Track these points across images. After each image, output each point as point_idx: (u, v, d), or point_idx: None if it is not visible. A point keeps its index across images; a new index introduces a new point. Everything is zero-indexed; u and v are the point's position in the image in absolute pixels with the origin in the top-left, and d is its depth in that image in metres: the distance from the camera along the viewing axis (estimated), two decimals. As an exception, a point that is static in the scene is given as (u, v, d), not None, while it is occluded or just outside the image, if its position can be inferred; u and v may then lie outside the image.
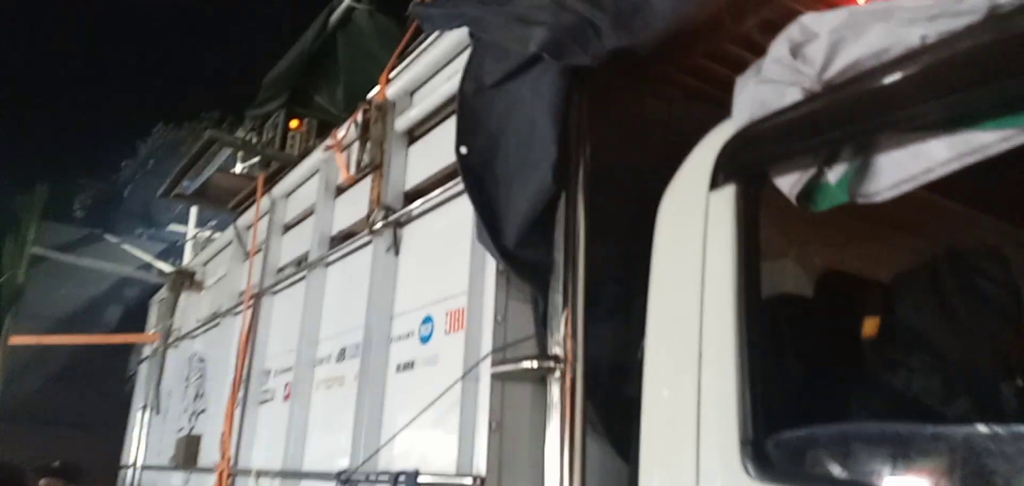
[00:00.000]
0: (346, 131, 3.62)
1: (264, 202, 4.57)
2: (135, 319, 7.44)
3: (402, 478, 2.43)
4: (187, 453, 4.93)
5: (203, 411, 5.21)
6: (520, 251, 2.19)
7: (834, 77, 1.70)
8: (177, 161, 8.56)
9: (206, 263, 6.01)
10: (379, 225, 3.12)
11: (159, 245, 7.80)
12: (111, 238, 7.52)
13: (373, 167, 3.25)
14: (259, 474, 3.70)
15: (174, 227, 8.19)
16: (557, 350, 2.09)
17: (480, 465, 2.23)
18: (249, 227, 5.07)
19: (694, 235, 1.99)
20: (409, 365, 2.82)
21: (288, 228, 4.47)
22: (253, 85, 5.22)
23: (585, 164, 2.22)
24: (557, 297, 2.13)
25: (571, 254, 2.14)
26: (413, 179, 3.18)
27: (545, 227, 2.19)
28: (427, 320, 2.77)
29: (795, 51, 1.80)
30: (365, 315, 3.09)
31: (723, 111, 2.25)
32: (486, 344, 2.36)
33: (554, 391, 2.08)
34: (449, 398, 2.42)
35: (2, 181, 9.37)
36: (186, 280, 6.07)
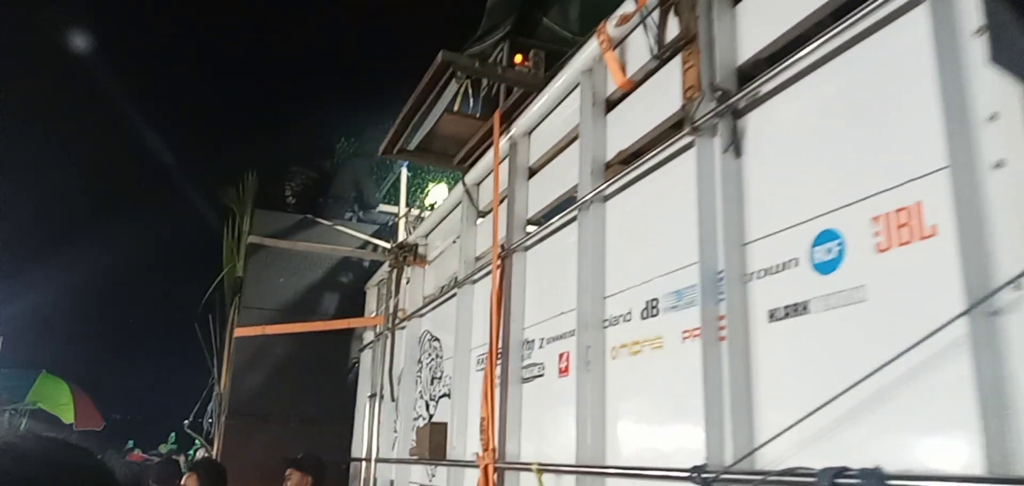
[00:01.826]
0: (633, 17, 2.72)
1: (502, 145, 3.81)
2: (352, 306, 7.11)
3: (856, 481, 1.49)
4: (433, 444, 4.31)
5: (444, 395, 4.60)
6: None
7: None
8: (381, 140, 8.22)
9: (428, 234, 5.43)
10: (705, 117, 2.20)
11: (369, 227, 7.44)
12: (323, 222, 7.21)
13: (684, 41, 2.33)
14: (542, 469, 2.92)
15: (384, 208, 7.83)
16: None
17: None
18: (480, 182, 4.37)
19: None
20: (795, 309, 1.88)
21: (534, 171, 3.68)
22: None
23: None
24: None
25: None
26: (749, 48, 2.22)
27: None
28: (826, 237, 1.81)
29: None
30: (697, 247, 2.19)
31: None
32: (1001, 254, 1.37)
33: None
34: (917, 351, 1.45)
35: (216, 175, 9.56)
36: (408, 255, 5.53)
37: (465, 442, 4.06)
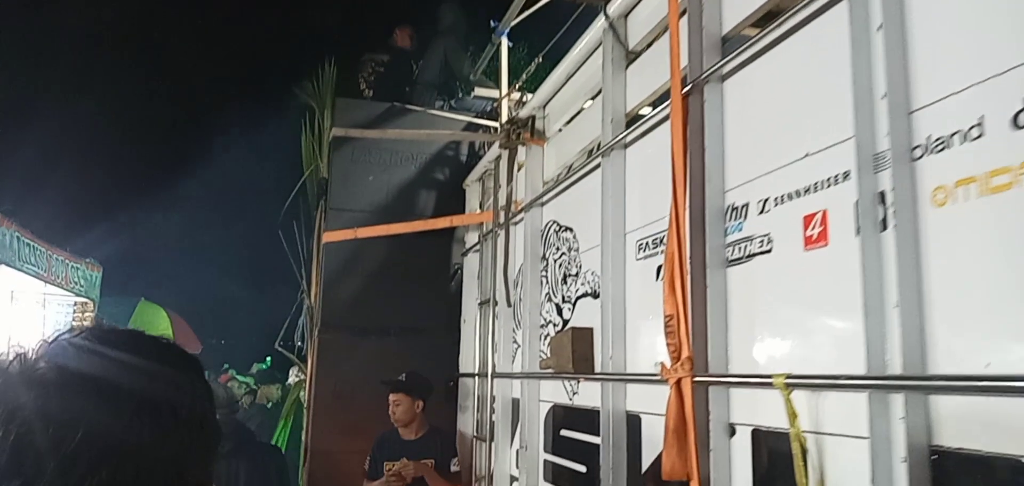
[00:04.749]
0: None
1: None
2: (449, 206, 6.20)
3: None
4: (576, 354, 3.41)
5: (584, 295, 3.66)
6: None
7: None
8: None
9: (547, 103, 4.41)
10: None
11: (464, 116, 6.47)
12: (414, 108, 6.28)
13: None
14: (793, 383, 1.93)
15: (480, 92, 6.81)
16: None
17: None
18: (631, 9, 3.30)
19: None
20: None
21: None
22: None
23: None
24: None
25: None
26: None
27: None
28: None
29: None
30: None
31: None
32: None
33: None
34: None
35: (290, 71, 8.75)
36: (522, 132, 4.54)
37: (623, 350, 3.13)
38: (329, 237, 6.01)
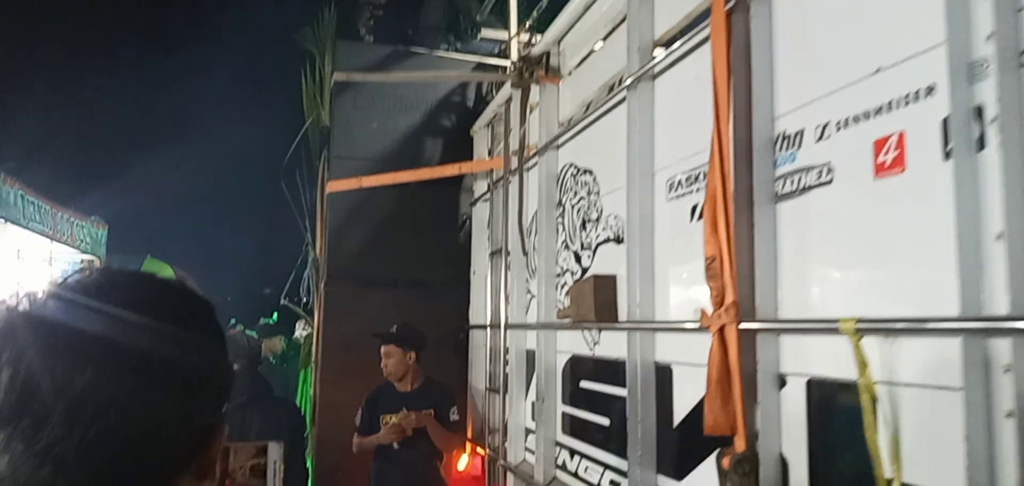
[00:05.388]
0: None
1: None
2: (456, 153, 5.93)
3: None
4: (599, 302, 3.19)
5: (605, 241, 3.43)
6: None
7: None
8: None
9: (562, 38, 4.12)
10: None
11: (470, 58, 6.16)
12: (418, 50, 5.97)
13: None
14: (865, 328, 1.70)
15: (487, 34, 6.47)
16: None
17: None
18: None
19: None
20: None
21: None
22: None
23: None
24: None
25: None
26: None
27: None
28: None
29: None
30: None
31: None
32: None
33: None
34: None
35: (288, 17, 8.42)
36: (536, 70, 4.26)
37: (652, 297, 2.90)
38: (333, 186, 5.76)
